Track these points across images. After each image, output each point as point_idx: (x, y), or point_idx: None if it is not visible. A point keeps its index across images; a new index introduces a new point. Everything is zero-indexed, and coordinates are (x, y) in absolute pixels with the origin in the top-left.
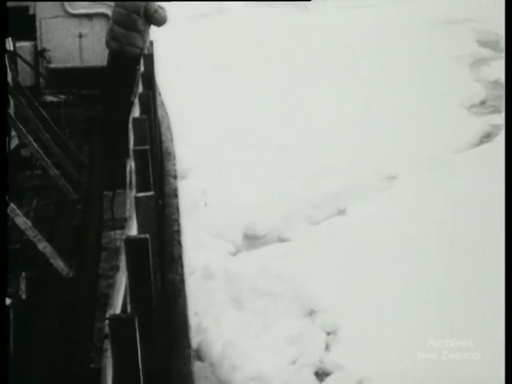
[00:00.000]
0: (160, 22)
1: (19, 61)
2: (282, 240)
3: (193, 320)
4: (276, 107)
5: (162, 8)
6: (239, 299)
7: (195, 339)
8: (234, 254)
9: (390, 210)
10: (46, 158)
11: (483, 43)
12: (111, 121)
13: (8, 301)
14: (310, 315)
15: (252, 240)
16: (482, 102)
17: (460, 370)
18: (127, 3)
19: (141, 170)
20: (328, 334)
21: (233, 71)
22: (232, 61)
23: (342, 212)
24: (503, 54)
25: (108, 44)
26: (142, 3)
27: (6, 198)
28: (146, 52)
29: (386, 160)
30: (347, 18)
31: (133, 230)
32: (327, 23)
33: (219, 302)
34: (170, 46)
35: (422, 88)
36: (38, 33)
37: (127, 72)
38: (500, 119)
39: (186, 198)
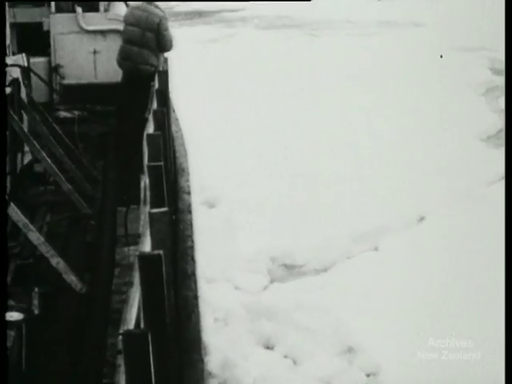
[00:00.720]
0: (168, 43)
1: (33, 77)
2: (316, 272)
3: (219, 355)
4: (293, 133)
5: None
6: (271, 334)
7: (222, 376)
8: (266, 286)
9: (422, 247)
10: (60, 174)
11: (497, 71)
12: (125, 137)
13: (21, 316)
14: (347, 353)
15: (285, 272)
16: (499, 131)
17: (460, 370)
18: (141, 21)
19: (155, 185)
20: (368, 375)
21: (241, 94)
22: (241, 83)
23: (376, 248)
24: None
25: (121, 64)
26: (156, 20)
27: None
28: (161, 69)
29: (416, 197)
30: (357, 45)
31: (146, 246)
32: (336, 49)
33: (249, 336)
34: (181, 68)
35: (436, 119)
36: (52, 49)
37: (142, 89)
38: None
39: (218, 225)
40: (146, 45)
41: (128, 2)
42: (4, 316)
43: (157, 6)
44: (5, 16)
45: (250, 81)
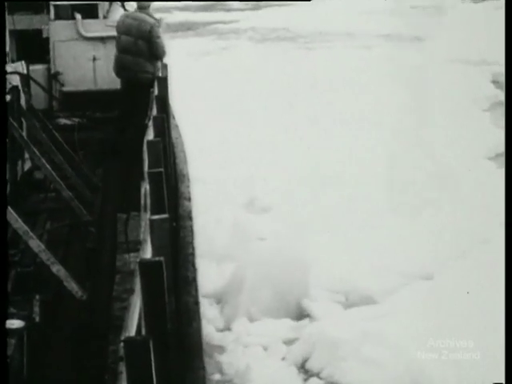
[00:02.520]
0: (160, 49)
1: (32, 84)
2: (373, 302)
3: None
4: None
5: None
6: (337, 367)
7: None
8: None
9: (475, 274)
10: (60, 181)
11: (500, 85)
12: (125, 143)
13: (22, 323)
14: None
15: (345, 299)
16: None
17: (460, 370)
18: (132, 30)
19: (155, 192)
20: None
21: (233, 107)
22: (233, 96)
23: (429, 277)
24: None
25: (118, 74)
26: (148, 28)
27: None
28: (160, 75)
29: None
30: (355, 58)
31: (147, 253)
32: (333, 63)
33: (308, 365)
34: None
35: (441, 135)
36: (52, 56)
37: (141, 96)
38: None
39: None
40: (139, 53)
41: (125, 6)
42: (4, 324)
43: (148, 13)
44: (5, 22)
45: (242, 94)
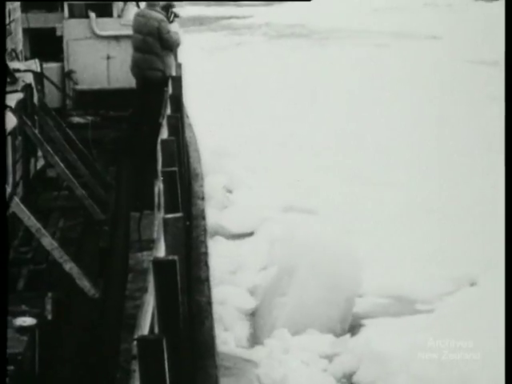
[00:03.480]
0: (171, 43)
1: (46, 82)
2: (419, 311)
3: None
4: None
5: (175, 32)
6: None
7: None
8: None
9: None
10: (73, 179)
11: None
12: (139, 142)
13: (34, 321)
14: None
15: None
16: None
17: (460, 370)
18: (141, 27)
19: (169, 191)
20: None
21: (246, 103)
22: (245, 92)
23: (473, 283)
24: None
25: (132, 71)
26: (155, 24)
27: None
28: (173, 74)
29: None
30: (370, 56)
31: (161, 252)
32: (347, 60)
33: (354, 380)
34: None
35: (461, 133)
36: (65, 54)
37: (152, 94)
38: None
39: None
40: (149, 50)
41: (139, 5)
42: (5, 320)
43: (156, 10)
44: (4, 16)
45: (255, 90)
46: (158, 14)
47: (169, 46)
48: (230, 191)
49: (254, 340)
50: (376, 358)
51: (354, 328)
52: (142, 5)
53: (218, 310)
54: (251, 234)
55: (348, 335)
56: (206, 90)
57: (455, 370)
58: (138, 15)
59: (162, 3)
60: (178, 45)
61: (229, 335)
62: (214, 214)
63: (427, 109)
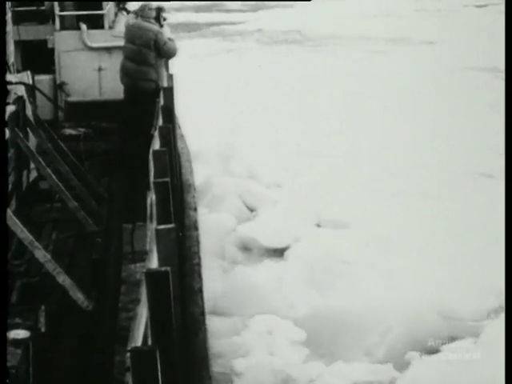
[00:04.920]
0: (170, 54)
1: (38, 94)
2: (471, 333)
3: None
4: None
5: (171, 40)
6: None
7: None
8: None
9: None
10: (65, 191)
11: None
12: (131, 153)
13: (27, 333)
14: None
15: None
16: None
17: (460, 370)
18: (136, 38)
19: (161, 202)
20: None
21: (246, 106)
22: (236, 100)
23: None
24: None
25: (122, 79)
26: (152, 36)
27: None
28: (165, 85)
29: None
30: (366, 62)
31: (153, 263)
32: (343, 67)
33: None
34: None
35: (461, 140)
36: (57, 66)
37: (144, 105)
38: None
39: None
40: (144, 61)
41: (128, 11)
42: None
43: (151, 22)
44: (5, 15)
45: (245, 97)
46: (153, 26)
47: (167, 56)
48: (249, 206)
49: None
50: None
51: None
52: (130, 11)
53: (265, 340)
54: (284, 249)
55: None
56: (197, 98)
57: None
58: (132, 26)
59: (153, 6)
60: (175, 53)
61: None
62: (241, 227)
63: (426, 115)
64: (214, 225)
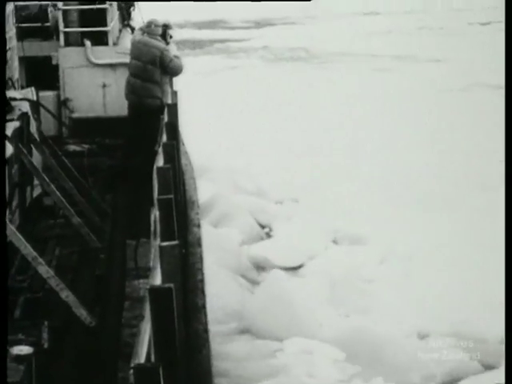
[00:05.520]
0: (176, 71)
1: (42, 110)
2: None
3: None
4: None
5: (177, 57)
6: None
7: None
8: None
9: None
10: (69, 207)
11: None
12: (134, 170)
13: (30, 349)
14: None
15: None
16: None
17: (460, 370)
18: (142, 55)
19: (165, 218)
20: None
21: (239, 129)
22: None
23: None
24: None
25: (127, 96)
26: (157, 54)
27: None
28: (170, 102)
29: None
30: (372, 80)
31: (157, 279)
32: (348, 84)
33: None
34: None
35: (468, 156)
36: (61, 82)
37: (148, 122)
38: None
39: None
40: (149, 78)
41: (132, 28)
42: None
43: (157, 39)
44: (4, 18)
45: (250, 114)
46: (159, 43)
47: (173, 74)
48: (260, 223)
49: None
50: None
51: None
52: (136, 29)
53: (303, 361)
54: (299, 267)
55: None
56: (201, 115)
57: None
58: (138, 42)
59: (159, 23)
60: (181, 71)
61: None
62: (254, 247)
63: (436, 133)
64: (225, 242)
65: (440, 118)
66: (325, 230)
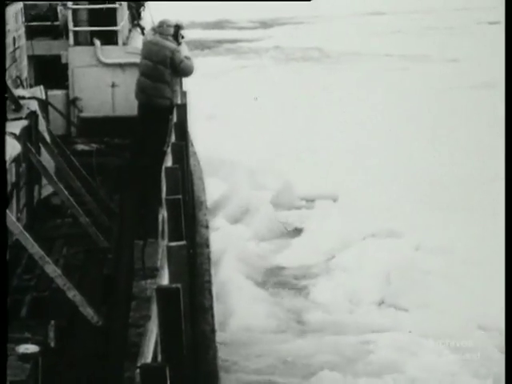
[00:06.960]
0: (186, 72)
1: (51, 109)
2: None
3: None
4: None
5: (188, 58)
6: None
7: None
8: None
9: None
10: (77, 206)
11: None
12: (143, 170)
13: (37, 348)
14: None
15: None
16: None
17: (460, 370)
18: (153, 55)
19: (173, 219)
20: None
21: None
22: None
23: None
24: None
25: (137, 95)
26: (168, 54)
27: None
28: (179, 102)
29: None
30: (383, 80)
31: (164, 280)
32: (359, 84)
33: None
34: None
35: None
36: (70, 82)
37: (158, 122)
38: None
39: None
40: (159, 78)
41: (142, 28)
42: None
43: (169, 39)
44: (4, 19)
45: (261, 114)
46: (171, 44)
47: (183, 74)
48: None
49: None
50: None
51: None
52: (148, 29)
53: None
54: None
55: None
56: (211, 115)
57: None
58: (150, 42)
59: (172, 23)
60: (191, 71)
61: None
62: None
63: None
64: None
65: (460, 115)
66: (359, 226)
